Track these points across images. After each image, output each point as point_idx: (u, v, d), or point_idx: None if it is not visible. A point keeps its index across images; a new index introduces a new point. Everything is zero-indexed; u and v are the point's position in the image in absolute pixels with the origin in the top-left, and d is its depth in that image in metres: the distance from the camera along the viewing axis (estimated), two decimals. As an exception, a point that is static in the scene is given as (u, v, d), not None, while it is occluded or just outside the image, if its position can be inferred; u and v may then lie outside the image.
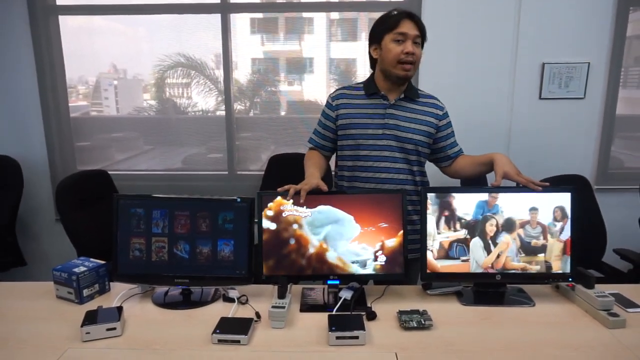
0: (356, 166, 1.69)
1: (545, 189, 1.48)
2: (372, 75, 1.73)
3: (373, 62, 1.71)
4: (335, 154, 1.82)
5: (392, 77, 1.64)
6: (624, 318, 1.31)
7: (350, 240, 1.46)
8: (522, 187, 1.49)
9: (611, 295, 1.38)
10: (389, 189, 1.65)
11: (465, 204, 1.48)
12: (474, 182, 2.31)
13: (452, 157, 1.78)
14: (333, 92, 1.78)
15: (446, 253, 1.48)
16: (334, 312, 1.36)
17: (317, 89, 2.89)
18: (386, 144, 1.67)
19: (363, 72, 2.83)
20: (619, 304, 1.41)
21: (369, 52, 1.70)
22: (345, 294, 1.42)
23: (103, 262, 1.56)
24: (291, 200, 1.47)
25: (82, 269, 1.48)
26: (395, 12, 1.62)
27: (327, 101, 1.78)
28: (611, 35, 2.61)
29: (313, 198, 1.47)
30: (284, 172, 2.34)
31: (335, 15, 2.85)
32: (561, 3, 2.56)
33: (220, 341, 1.23)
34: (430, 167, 1.81)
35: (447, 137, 1.76)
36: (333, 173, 1.86)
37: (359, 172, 1.69)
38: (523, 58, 2.63)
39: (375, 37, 1.66)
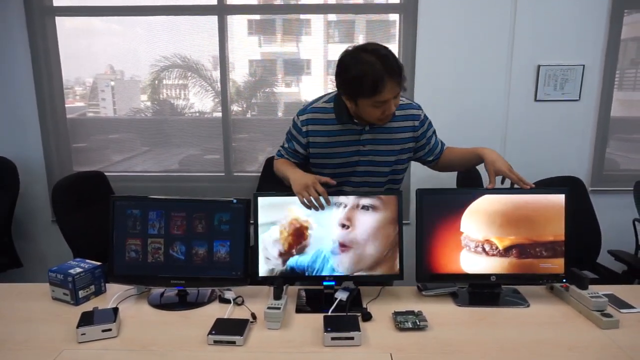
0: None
1: (540, 190, 1.49)
2: (341, 98, 1.47)
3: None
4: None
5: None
6: (617, 319, 1.32)
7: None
8: (515, 187, 1.49)
9: (605, 296, 1.38)
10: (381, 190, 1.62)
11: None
12: (471, 182, 2.32)
13: (438, 155, 1.70)
14: (301, 113, 1.58)
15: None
16: (329, 313, 1.36)
17: (314, 90, 2.89)
18: (363, 170, 1.59)
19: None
20: (612, 304, 1.42)
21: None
22: (341, 295, 1.43)
23: (99, 263, 1.56)
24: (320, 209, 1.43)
25: (78, 270, 1.48)
26: (376, 70, 1.32)
27: (295, 123, 1.59)
28: (606, 37, 2.62)
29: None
30: (280, 173, 2.33)
31: (332, 17, 2.86)
32: (556, 6, 2.58)
33: (216, 342, 1.23)
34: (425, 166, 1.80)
35: (428, 141, 1.65)
36: None
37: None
38: (518, 60, 2.65)
39: (350, 94, 1.41)
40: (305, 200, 1.42)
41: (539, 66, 2.64)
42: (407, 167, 1.71)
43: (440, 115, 2.66)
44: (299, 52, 2.90)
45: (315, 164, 1.64)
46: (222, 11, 2.73)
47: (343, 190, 1.53)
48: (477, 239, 1.48)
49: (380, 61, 1.33)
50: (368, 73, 1.33)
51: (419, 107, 1.62)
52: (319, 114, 1.57)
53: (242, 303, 1.46)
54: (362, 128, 1.54)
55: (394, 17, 2.77)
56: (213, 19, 2.74)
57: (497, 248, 1.48)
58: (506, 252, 1.48)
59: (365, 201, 1.48)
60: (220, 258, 1.48)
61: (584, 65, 2.64)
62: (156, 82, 2.92)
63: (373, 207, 1.48)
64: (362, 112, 1.44)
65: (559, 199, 1.48)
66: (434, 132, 1.68)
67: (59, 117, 2.86)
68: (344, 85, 1.41)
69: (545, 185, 2.20)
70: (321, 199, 1.43)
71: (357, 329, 1.24)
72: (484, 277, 1.49)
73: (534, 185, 1.48)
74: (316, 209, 1.44)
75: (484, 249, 1.48)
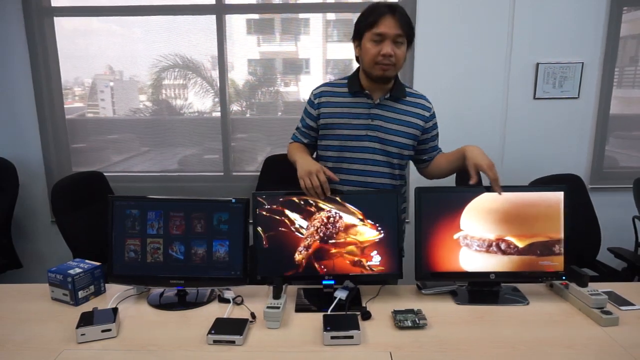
0: (339, 167, 1.63)
1: (538, 188, 1.49)
2: (357, 71, 1.64)
3: (358, 58, 1.61)
4: (316, 153, 1.74)
5: (372, 77, 1.56)
6: (617, 316, 1.32)
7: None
8: (513, 186, 1.49)
9: (605, 293, 1.38)
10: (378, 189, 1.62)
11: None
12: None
13: (432, 157, 1.73)
14: (315, 89, 1.69)
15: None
16: (329, 312, 1.36)
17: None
18: (369, 145, 1.60)
19: (358, 72, 2.84)
20: (612, 302, 1.42)
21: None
22: (340, 294, 1.42)
23: (98, 263, 1.56)
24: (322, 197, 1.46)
25: (78, 270, 1.48)
26: (379, 6, 1.50)
27: (310, 98, 1.69)
28: (605, 35, 2.62)
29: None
30: (279, 173, 2.34)
31: (331, 16, 2.85)
32: (555, 3, 2.58)
33: (215, 342, 1.23)
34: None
35: (431, 140, 1.70)
36: None
37: (342, 174, 1.62)
38: (517, 58, 2.65)
39: (357, 33, 1.56)
40: (306, 186, 1.45)
41: (537, 64, 2.64)
42: (408, 163, 1.73)
43: (439, 113, 2.66)
44: (298, 52, 2.89)
45: (325, 136, 1.66)
46: (220, 11, 2.73)
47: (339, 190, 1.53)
48: (476, 237, 1.48)
49: (385, 3, 1.52)
50: (372, 7, 1.53)
51: (430, 104, 1.70)
52: (332, 88, 1.67)
53: (242, 302, 1.46)
54: (372, 102, 1.61)
55: (393, 15, 2.77)
56: (211, 19, 2.74)
57: (496, 246, 1.48)
58: (505, 249, 1.48)
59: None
60: (219, 258, 1.48)
61: (583, 63, 2.64)
62: (155, 82, 2.91)
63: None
64: (363, 54, 1.54)
65: (558, 196, 1.48)
66: (437, 134, 1.73)
67: (58, 117, 2.86)
68: (355, 25, 1.57)
69: (545, 183, 2.21)
70: (321, 188, 1.45)
71: (357, 327, 1.24)
72: (484, 275, 1.49)
73: (501, 193, 1.47)
74: (316, 196, 1.46)
75: (482, 247, 1.48)
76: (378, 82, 1.58)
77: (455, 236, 1.48)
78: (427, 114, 1.66)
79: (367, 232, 1.47)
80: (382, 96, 1.61)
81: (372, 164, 1.62)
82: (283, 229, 1.48)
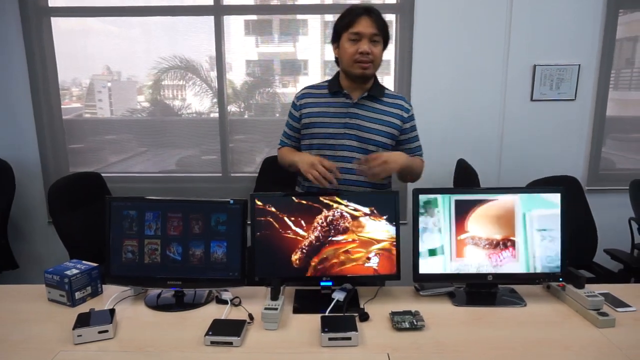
0: None
1: (536, 189, 1.50)
2: (338, 73, 1.71)
3: (337, 60, 1.69)
4: None
5: (351, 76, 1.63)
6: (613, 317, 1.32)
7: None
8: (512, 188, 1.50)
9: (601, 295, 1.39)
10: (351, 190, 1.62)
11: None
12: (467, 182, 2.33)
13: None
14: (298, 92, 1.77)
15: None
16: (326, 314, 1.36)
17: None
18: (348, 143, 1.65)
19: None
20: (609, 303, 1.42)
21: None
22: (338, 295, 1.42)
23: (95, 264, 1.55)
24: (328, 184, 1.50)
25: (74, 271, 1.48)
26: (355, 7, 1.59)
27: (293, 101, 1.76)
28: (601, 37, 2.64)
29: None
30: (277, 174, 2.33)
31: (329, 17, 2.86)
32: (552, 6, 2.59)
33: (213, 343, 1.23)
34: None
35: (410, 141, 1.74)
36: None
37: None
38: (514, 60, 2.66)
39: (335, 35, 1.64)
40: (315, 176, 1.48)
41: (534, 66, 2.65)
42: None
43: (436, 115, 2.70)
44: (296, 53, 2.90)
45: (306, 135, 1.71)
46: (218, 12, 2.73)
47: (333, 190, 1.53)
48: (472, 238, 1.48)
49: (361, 5, 1.60)
50: (348, 9, 1.61)
51: (410, 104, 1.73)
52: (313, 90, 1.74)
53: (239, 304, 1.46)
54: (351, 101, 1.66)
55: (391, 17, 2.77)
56: (209, 20, 2.73)
57: (492, 246, 1.48)
58: (502, 250, 1.48)
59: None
60: (217, 259, 1.48)
61: (579, 65, 2.65)
62: (153, 82, 2.91)
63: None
64: (342, 54, 1.61)
65: (555, 198, 1.49)
66: (417, 136, 1.77)
67: (55, 118, 2.85)
68: (333, 28, 1.64)
69: (542, 185, 2.21)
70: (329, 175, 1.49)
71: (355, 329, 1.24)
72: (481, 276, 1.49)
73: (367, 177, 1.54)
74: (326, 184, 1.49)
75: (479, 248, 1.48)
76: (357, 82, 1.64)
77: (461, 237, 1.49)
78: (405, 114, 1.70)
79: (365, 232, 1.47)
80: (360, 95, 1.66)
81: (349, 161, 1.65)
82: (281, 230, 1.48)
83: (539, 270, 1.48)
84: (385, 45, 1.63)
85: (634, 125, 2.92)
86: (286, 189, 1.51)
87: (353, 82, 1.65)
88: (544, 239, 1.48)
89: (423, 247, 1.48)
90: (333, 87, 1.68)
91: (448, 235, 1.49)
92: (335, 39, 1.64)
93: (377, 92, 1.67)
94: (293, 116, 1.75)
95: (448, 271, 1.48)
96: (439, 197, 1.48)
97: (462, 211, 1.48)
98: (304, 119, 1.70)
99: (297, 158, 1.61)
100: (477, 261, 1.48)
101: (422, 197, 1.49)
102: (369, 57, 1.56)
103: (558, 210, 1.48)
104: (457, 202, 1.48)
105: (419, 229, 1.49)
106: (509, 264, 1.48)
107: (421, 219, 1.48)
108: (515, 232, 1.48)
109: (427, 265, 1.49)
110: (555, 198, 1.49)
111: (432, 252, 1.49)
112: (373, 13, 1.58)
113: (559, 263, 1.48)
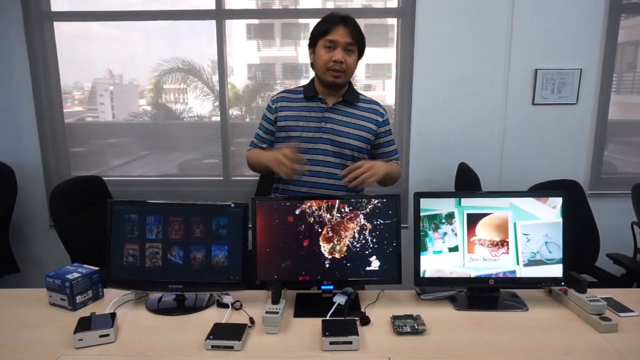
0: None
1: (538, 193, 1.49)
2: (313, 78, 1.74)
3: (313, 65, 1.72)
4: None
5: (324, 83, 1.66)
6: (616, 322, 1.31)
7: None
8: (513, 192, 1.50)
9: (603, 299, 1.38)
10: (327, 194, 1.66)
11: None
12: (469, 186, 2.32)
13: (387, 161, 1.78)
14: (273, 96, 1.80)
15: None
16: (327, 318, 1.36)
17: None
18: (322, 147, 1.68)
19: (358, 77, 2.85)
20: (611, 308, 1.42)
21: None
22: (339, 299, 1.42)
23: (96, 268, 1.55)
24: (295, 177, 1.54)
25: (76, 275, 1.48)
26: (333, 15, 1.62)
27: (268, 104, 1.79)
28: (603, 41, 2.64)
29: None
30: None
31: (330, 21, 2.86)
32: (553, 10, 2.59)
33: (213, 347, 1.23)
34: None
35: (386, 145, 1.78)
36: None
37: (296, 174, 1.63)
38: (516, 64, 2.66)
39: (311, 40, 1.68)
40: (285, 172, 1.53)
41: (536, 70, 2.65)
42: None
43: (438, 118, 2.70)
44: (298, 57, 2.91)
45: (281, 138, 1.74)
46: (220, 16, 2.74)
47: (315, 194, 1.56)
48: (475, 241, 1.48)
49: (338, 13, 1.64)
50: (326, 16, 1.65)
51: (384, 109, 1.78)
52: (289, 94, 1.77)
53: (240, 308, 1.46)
54: (325, 106, 1.70)
55: (392, 21, 2.79)
56: (211, 24, 2.74)
57: (494, 250, 1.48)
58: (503, 253, 1.48)
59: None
60: (218, 262, 1.48)
61: (581, 69, 2.65)
62: (155, 86, 2.92)
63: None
64: (316, 60, 1.65)
65: (557, 202, 1.48)
66: (393, 140, 1.82)
67: (57, 121, 2.86)
68: (310, 34, 1.68)
69: (543, 189, 2.21)
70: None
71: (356, 333, 1.24)
72: (483, 280, 1.49)
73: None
74: (298, 173, 1.56)
75: (484, 247, 1.48)
76: (331, 89, 1.68)
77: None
78: (380, 119, 1.75)
79: (367, 236, 1.47)
80: (335, 101, 1.71)
81: (325, 165, 1.69)
82: (282, 234, 1.47)
83: (540, 275, 1.47)
84: (360, 54, 1.67)
85: (636, 129, 2.92)
86: (287, 192, 1.50)
87: (327, 88, 1.69)
88: (544, 243, 1.48)
89: (444, 247, 1.49)
90: (308, 92, 1.72)
91: (461, 237, 1.50)
92: (312, 44, 1.68)
93: (351, 97, 1.71)
94: (268, 119, 1.77)
95: (465, 264, 1.48)
96: (456, 210, 1.49)
97: (473, 220, 1.50)
98: (279, 121, 1.73)
99: (264, 158, 1.66)
100: (482, 255, 1.49)
101: (445, 211, 1.49)
102: (342, 67, 1.60)
103: (558, 219, 1.48)
104: (469, 215, 1.49)
105: (421, 233, 1.49)
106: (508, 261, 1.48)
107: (443, 226, 1.49)
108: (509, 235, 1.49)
109: (443, 262, 1.49)
110: (558, 202, 1.48)
111: (454, 249, 1.50)
112: (349, 22, 1.61)
113: (560, 267, 1.47)
